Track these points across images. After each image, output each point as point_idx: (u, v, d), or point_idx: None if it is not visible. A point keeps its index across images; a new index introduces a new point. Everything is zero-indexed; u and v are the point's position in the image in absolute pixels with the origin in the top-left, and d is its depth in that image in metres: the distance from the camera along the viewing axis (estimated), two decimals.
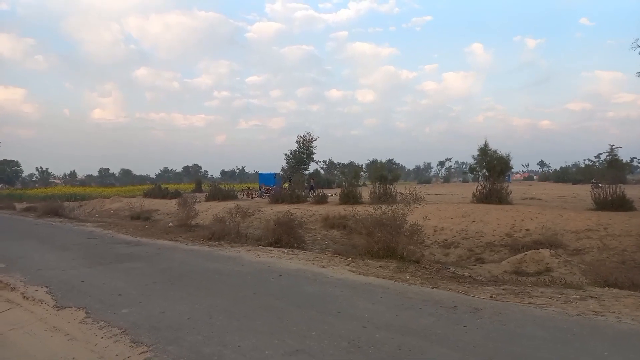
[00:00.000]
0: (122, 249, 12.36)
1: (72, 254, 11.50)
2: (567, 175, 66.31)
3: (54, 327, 6.06)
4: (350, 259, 9.93)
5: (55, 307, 6.82)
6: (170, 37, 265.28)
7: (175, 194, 35.97)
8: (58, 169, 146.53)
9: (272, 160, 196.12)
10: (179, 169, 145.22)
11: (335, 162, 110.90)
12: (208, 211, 24.40)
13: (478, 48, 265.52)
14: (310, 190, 32.05)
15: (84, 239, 14.71)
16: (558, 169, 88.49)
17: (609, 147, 18.42)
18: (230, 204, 23.67)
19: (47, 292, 7.63)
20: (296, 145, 61.28)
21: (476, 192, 18.74)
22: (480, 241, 13.30)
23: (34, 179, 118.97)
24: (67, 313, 6.53)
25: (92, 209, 34.66)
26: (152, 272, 9.00)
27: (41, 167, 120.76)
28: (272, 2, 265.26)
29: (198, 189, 46.74)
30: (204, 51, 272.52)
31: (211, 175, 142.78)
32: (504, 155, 18.54)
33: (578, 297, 6.65)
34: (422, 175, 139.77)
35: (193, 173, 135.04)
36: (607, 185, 14.90)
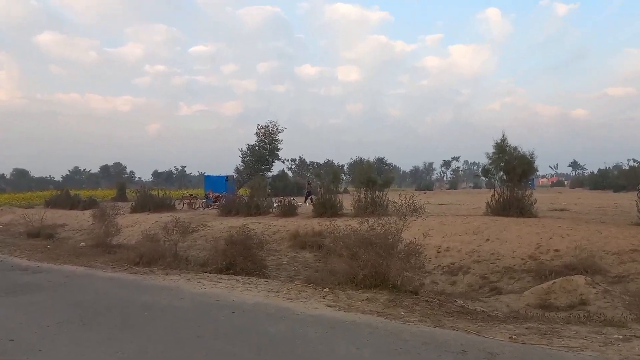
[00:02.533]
0: (15, 277, 12.05)
1: None
2: (606, 180, 68.10)
3: None
4: (327, 289, 9.94)
5: None
6: None
7: (90, 203, 35.26)
8: None
9: (223, 159, 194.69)
10: (95, 169, 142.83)
11: (307, 161, 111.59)
12: (135, 226, 23.97)
13: (494, 14, 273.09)
14: (307, 198, 32.12)
15: None
16: (595, 171, 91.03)
17: None
18: (165, 217, 23.33)
19: None
20: (256, 138, 61.29)
21: (491, 201, 19.14)
22: (497, 265, 13.58)
23: None
24: None
25: None
26: (58, 308, 8.80)
27: None
28: None
29: (121, 197, 45.96)
30: (132, 12, 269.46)
31: (139, 178, 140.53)
32: (527, 153, 19.00)
33: (621, 337, 6.86)
34: (421, 179, 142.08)
35: (114, 175, 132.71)
36: None
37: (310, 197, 31.03)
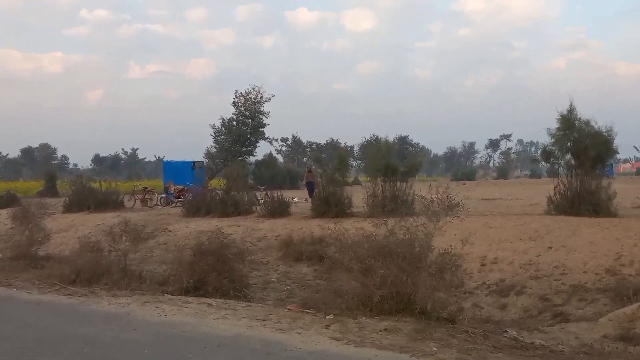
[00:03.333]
0: None
1: None
2: None
3: None
4: (331, 315, 9.95)
5: None
6: None
7: (7, 200, 35.19)
8: None
9: (188, 138, 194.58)
10: (14, 153, 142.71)
11: (304, 141, 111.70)
12: (70, 231, 24.00)
13: None
14: (308, 191, 32.10)
15: None
16: None
17: None
18: (110, 218, 23.33)
19: None
20: (233, 109, 61.21)
21: (554, 195, 19.13)
22: (562, 283, 13.59)
23: None
24: None
25: None
26: None
27: None
28: None
29: (51, 191, 45.88)
30: None
31: (75, 165, 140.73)
32: (603, 129, 18.94)
33: None
34: (459, 165, 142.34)
35: (41, 161, 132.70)
36: None
37: (310, 189, 31.05)
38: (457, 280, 10.37)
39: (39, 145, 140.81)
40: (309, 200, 29.22)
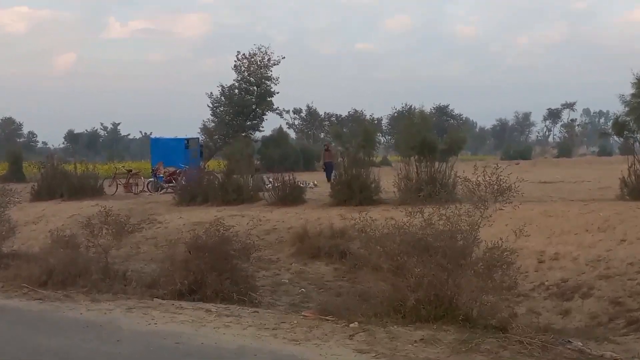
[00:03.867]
0: None
1: None
2: None
3: None
4: (355, 324, 9.98)
5: None
6: None
7: None
8: None
9: (181, 111, 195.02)
10: None
11: (321, 112, 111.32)
12: (39, 223, 24.17)
13: None
14: (326, 174, 32.13)
15: None
16: None
17: None
18: (88, 207, 23.45)
19: None
20: (235, 75, 61.04)
21: (629, 176, 18.99)
22: (638, 283, 13.51)
23: None
24: None
25: None
26: None
27: None
28: None
29: (15, 175, 46.24)
30: None
31: (45, 143, 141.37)
32: None
33: None
34: (511, 140, 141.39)
35: (3, 139, 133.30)
36: None
37: (330, 170, 31.03)
38: (509, 281, 10.34)
39: (1, 119, 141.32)
40: (333, 176, 29.34)
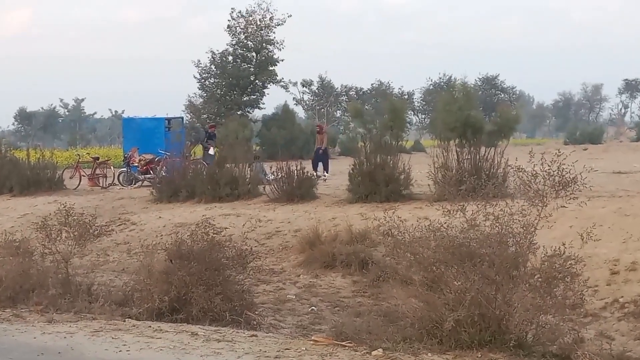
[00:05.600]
0: None
1: None
2: None
3: None
4: (379, 350, 9.98)
5: None
6: None
7: None
8: None
9: (160, 83, 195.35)
10: None
11: (336, 85, 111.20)
12: None
13: None
14: (316, 162, 32.26)
15: None
16: None
17: None
18: (44, 204, 23.51)
19: None
20: (229, 38, 60.90)
21: None
22: None
23: None
24: None
25: None
26: None
27: None
28: None
29: None
30: None
31: None
32: None
33: None
34: (577, 119, 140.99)
35: None
36: None
37: (325, 159, 30.96)
38: (574, 297, 10.29)
39: None
40: (323, 176, 29.44)
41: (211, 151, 33.28)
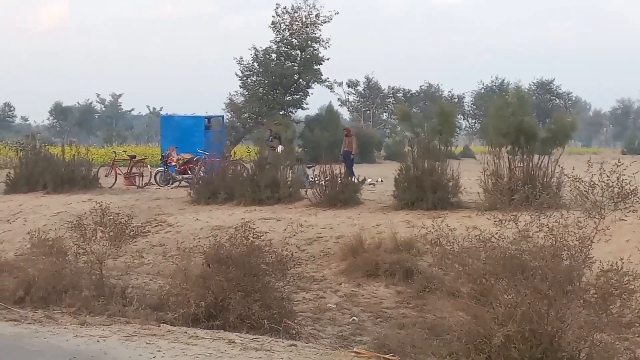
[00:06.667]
0: None
1: None
2: None
3: None
4: None
5: None
6: None
7: None
8: None
9: (200, 80, 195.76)
10: None
11: (383, 87, 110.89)
12: (15, 222, 24.45)
13: None
14: (346, 167, 32.40)
15: None
16: None
17: None
18: (79, 203, 23.64)
19: None
20: (273, 35, 60.82)
21: None
22: None
23: None
24: None
25: None
26: None
27: None
28: None
29: None
30: None
31: (24, 119, 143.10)
32: None
33: None
34: (636, 129, 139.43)
35: None
36: None
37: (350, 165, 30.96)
38: (631, 315, 10.21)
39: None
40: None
41: (279, 149, 33.08)
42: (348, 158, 32.88)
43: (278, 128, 40.87)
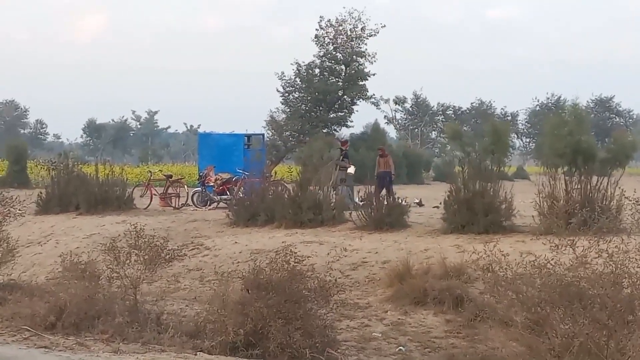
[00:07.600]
0: None
1: None
2: None
3: None
4: None
5: None
6: None
7: None
8: None
9: (240, 97, 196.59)
10: None
11: (432, 104, 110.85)
12: (47, 244, 24.57)
13: None
14: (380, 188, 32.31)
15: None
16: None
17: None
18: (112, 225, 23.73)
19: None
20: (316, 49, 61.01)
21: None
22: None
23: None
24: None
25: None
26: None
27: None
28: None
29: (18, 177, 47.16)
30: None
31: (57, 136, 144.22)
32: None
33: None
34: None
35: (3, 128, 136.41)
36: None
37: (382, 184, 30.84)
38: None
39: (1, 103, 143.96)
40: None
41: (351, 169, 32.87)
42: (385, 179, 32.67)
43: (346, 145, 40.79)
